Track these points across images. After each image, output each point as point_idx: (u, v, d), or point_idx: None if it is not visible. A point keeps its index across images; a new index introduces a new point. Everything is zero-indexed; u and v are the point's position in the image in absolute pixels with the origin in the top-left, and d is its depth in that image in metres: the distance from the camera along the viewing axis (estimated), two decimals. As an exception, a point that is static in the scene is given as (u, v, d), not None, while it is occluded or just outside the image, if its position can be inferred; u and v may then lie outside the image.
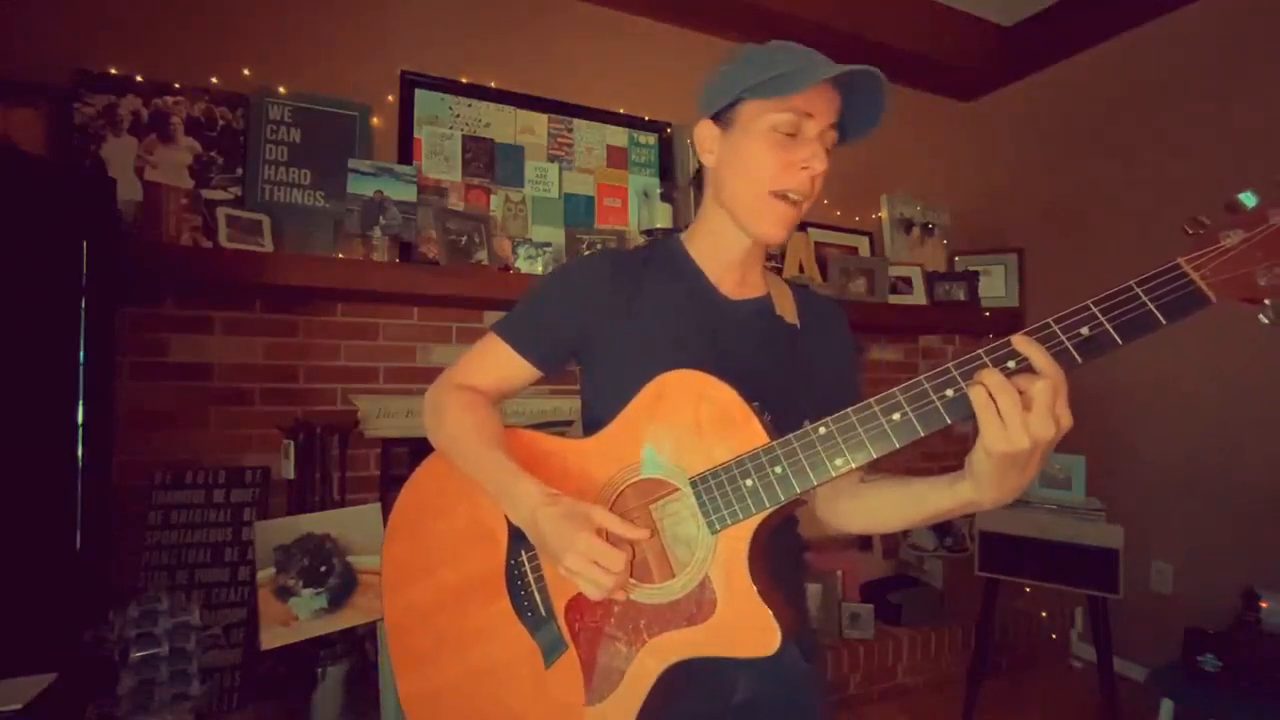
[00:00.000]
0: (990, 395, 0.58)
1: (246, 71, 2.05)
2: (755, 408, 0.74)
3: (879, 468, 0.80)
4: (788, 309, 0.94)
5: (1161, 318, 0.58)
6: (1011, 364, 0.61)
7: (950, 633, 2.52)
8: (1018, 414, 0.57)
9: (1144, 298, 0.59)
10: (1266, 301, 0.58)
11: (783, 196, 0.81)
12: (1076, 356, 0.60)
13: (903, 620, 2.52)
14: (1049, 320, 0.61)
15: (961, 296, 2.92)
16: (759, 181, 0.81)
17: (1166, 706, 1.80)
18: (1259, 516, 2.27)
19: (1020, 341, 0.60)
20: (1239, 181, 0.60)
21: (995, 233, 3.15)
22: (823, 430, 0.69)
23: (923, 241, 3.09)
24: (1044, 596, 2.70)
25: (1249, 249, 0.57)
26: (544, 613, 0.81)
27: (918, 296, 2.93)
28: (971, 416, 0.61)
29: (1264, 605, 1.82)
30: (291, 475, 1.93)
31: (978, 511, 0.68)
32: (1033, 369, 0.59)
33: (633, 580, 0.76)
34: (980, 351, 0.63)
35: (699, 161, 0.92)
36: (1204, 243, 0.59)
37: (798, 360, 0.91)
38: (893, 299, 2.84)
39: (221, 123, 1.99)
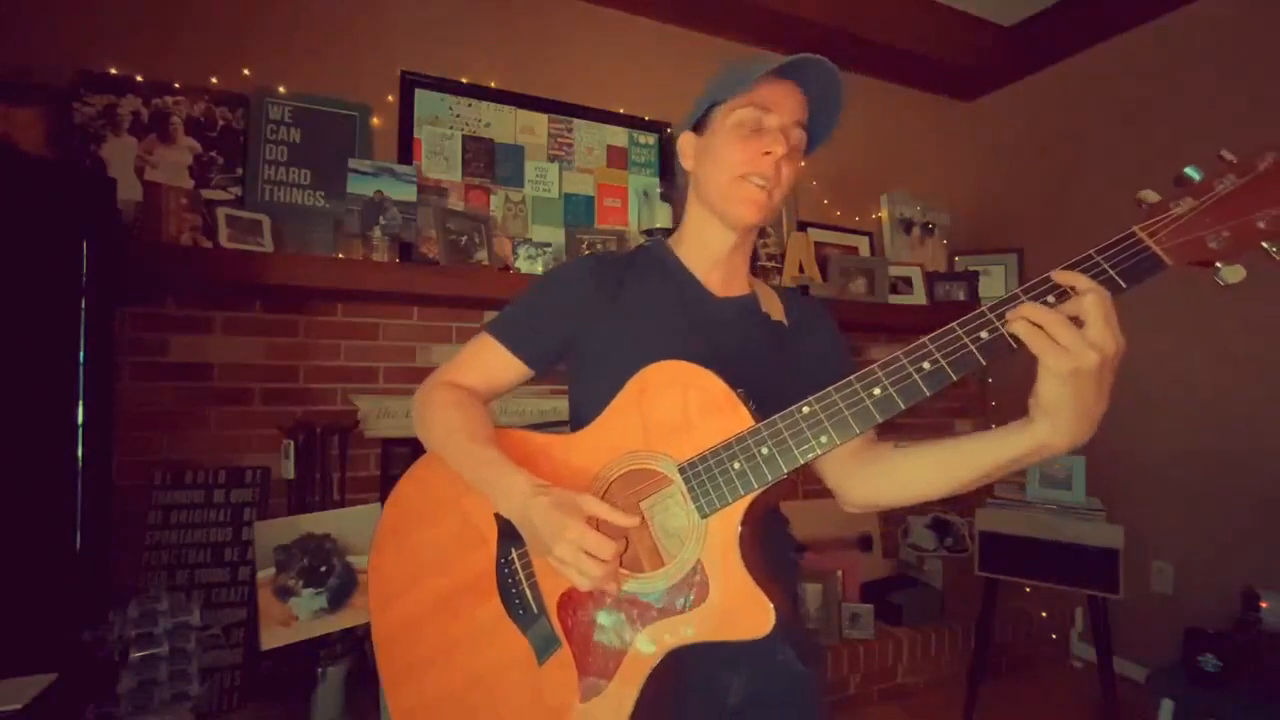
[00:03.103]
0: (1034, 324, 0.59)
1: (246, 71, 2.05)
2: (740, 394, 0.75)
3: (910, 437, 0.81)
4: (774, 308, 0.96)
5: (1121, 283, 0.61)
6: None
7: (950, 633, 2.51)
8: (1072, 332, 0.58)
9: (1104, 265, 0.62)
10: (1218, 264, 0.61)
11: (749, 179, 0.85)
12: None
13: (903, 620, 2.51)
14: (1018, 291, 0.63)
15: (961, 296, 2.92)
16: (728, 169, 0.86)
17: (1166, 706, 1.80)
18: (1259, 516, 2.26)
19: (1027, 307, 0.61)
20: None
21: (995, 233, 3.15)
22: (806, 409, 0.71)
23: (923, 241, 3.09)
24: (1044, 596, 2.70)
25: (1198, 215, 0.60)
26: (535, 610, 0.80)
27: (918, 296, 2.92)
28: (947, 386, 0.64)
29: (1264, 605, 1.81)
30: (291, 475, 1.93)
31: (1051, 456, 0.65)
32: (1062, 300, 0.60)
33: (624, 571, 0.76)
34: (984, 308, 0.65)
35: (683, 176, 0.96)
36: (1156, 212, 0.63)
37: (787, 356, 0.92)
38: (893, 299, 2.84)
39: (221, 123, 2.00)
